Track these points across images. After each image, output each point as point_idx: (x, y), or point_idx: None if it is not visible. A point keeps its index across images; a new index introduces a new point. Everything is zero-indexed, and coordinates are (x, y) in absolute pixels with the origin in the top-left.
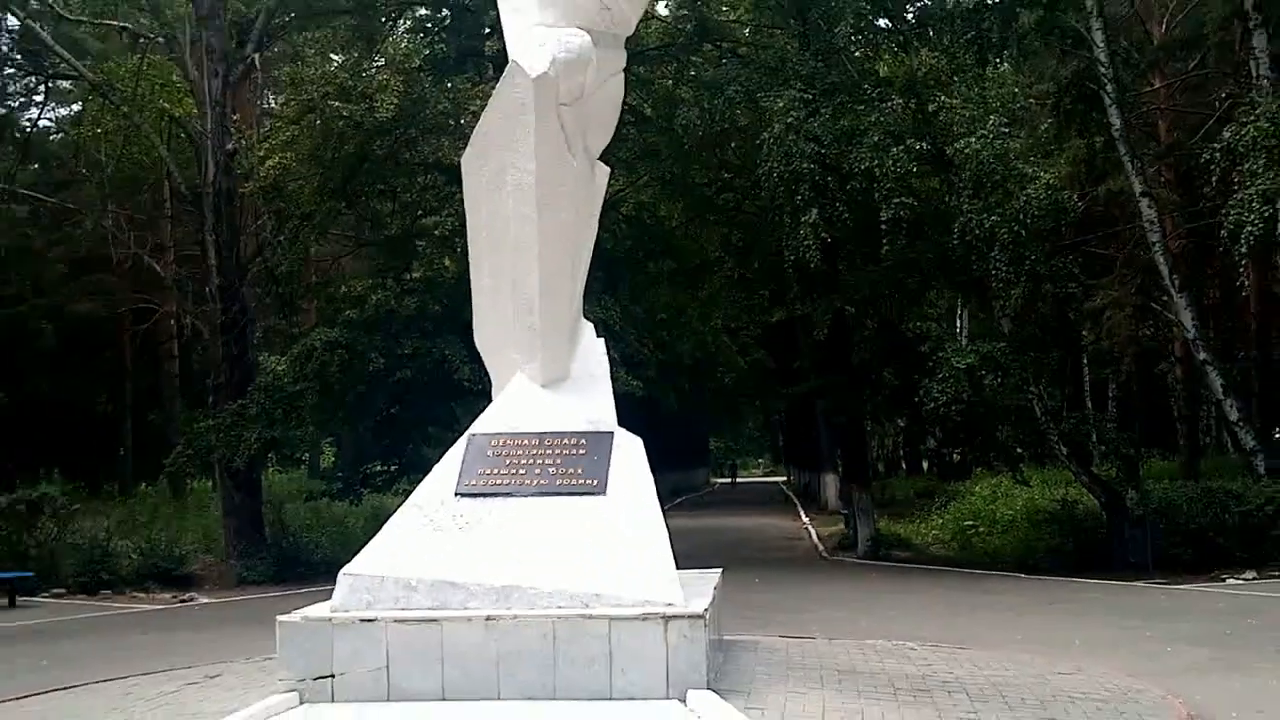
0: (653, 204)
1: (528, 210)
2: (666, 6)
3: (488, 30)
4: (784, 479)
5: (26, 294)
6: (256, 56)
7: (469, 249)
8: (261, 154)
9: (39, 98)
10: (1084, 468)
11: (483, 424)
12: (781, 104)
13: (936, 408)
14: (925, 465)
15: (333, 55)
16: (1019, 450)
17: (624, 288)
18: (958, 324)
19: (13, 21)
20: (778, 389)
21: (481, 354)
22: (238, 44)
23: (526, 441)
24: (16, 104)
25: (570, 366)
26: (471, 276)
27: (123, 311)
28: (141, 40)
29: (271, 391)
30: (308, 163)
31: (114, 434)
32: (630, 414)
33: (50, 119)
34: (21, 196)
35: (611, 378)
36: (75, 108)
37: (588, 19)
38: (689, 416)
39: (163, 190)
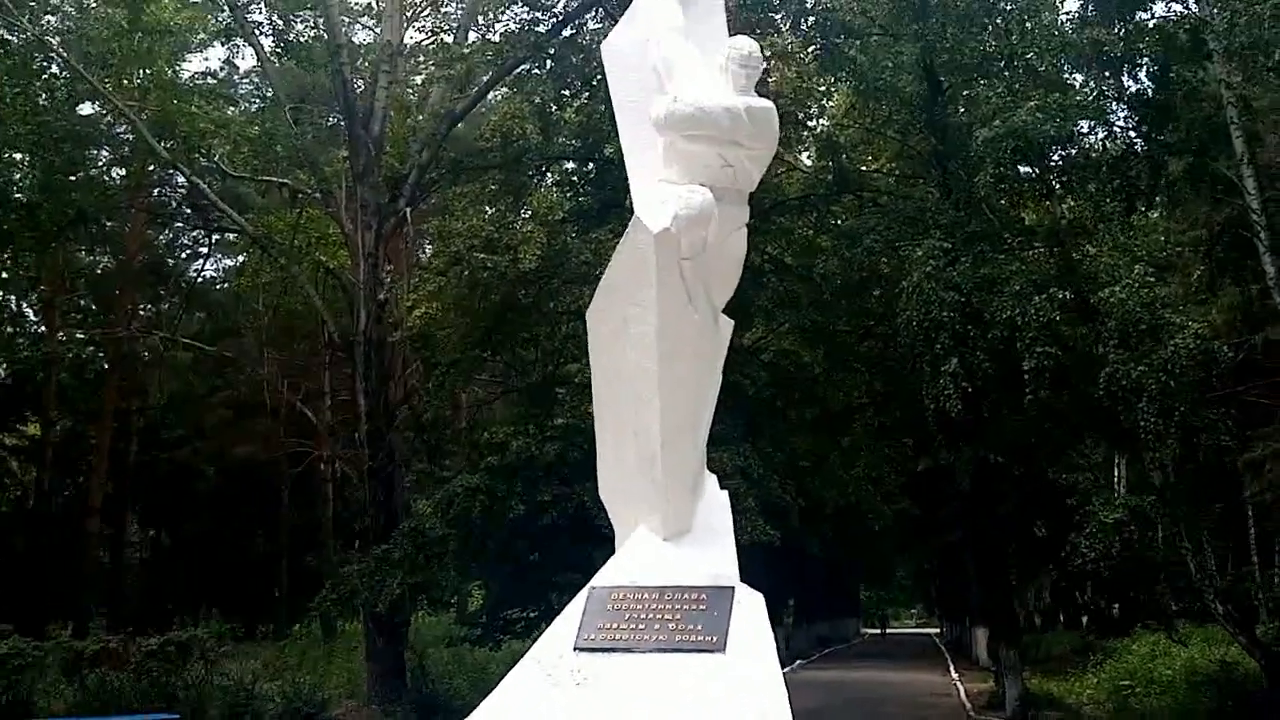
0: (794, 351)
1: (649, 363)
2: (808, 157)
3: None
4: (936, 631)
5: (189, 438)
6: (408, 210)
7: (594, 400)
8: (410, 304)
9: (204, 250)
10: (1243, 628)
11: (603, 577)
12: (920, 252)
13: (1084, 564)
14: (1084, 619)
15: (482, 208)
16: (1174, 608)
17: (764, 435)
18: (1115, 473)
19: (181, 179)
20: (923, 539)
21: (605, 504)
22: (391, 198)
23: (647, 596)
24: (183, 256)
25: (693, 520)
26: (595, 428)
27: (280, 455)
28: (300, 195)
29: (415, 536)
30: (454, 312)
31: (271, 575)
32: (775, 563)
33: (214, 271)
34: (185, 345)
35: (750, 527)
36: (238, 260)
37: (710, 175)
38: (836, 566)
39: (318, 338)
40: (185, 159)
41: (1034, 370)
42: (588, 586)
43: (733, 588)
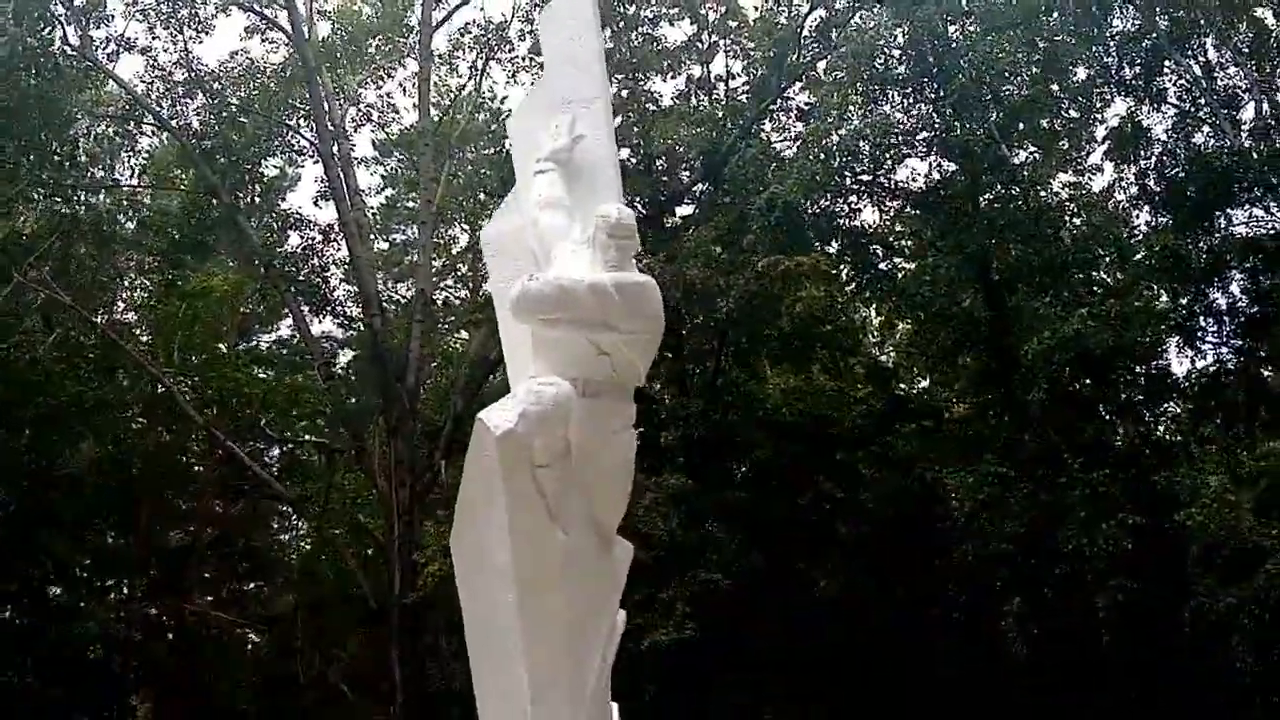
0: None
1: (507, 595)
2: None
3: None
4: None
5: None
6: (444, 464)
7: (469, 653)
8: (436, 566)
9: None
10: None
11: None
12: (973, 479)
13: None
14: None
15: None
16: None
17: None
18: None
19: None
20: None
21: None
22: (427, 453)
23: None
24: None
25: None
26: (473, 676)
27: None
28: (337, 454)
29: None
30: None
31: None
32: None
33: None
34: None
35: None
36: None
37: (583, 367)
38: None
39: (352, 603)
40: (225, 425)
41: (1108, 606)
42: None
43: None
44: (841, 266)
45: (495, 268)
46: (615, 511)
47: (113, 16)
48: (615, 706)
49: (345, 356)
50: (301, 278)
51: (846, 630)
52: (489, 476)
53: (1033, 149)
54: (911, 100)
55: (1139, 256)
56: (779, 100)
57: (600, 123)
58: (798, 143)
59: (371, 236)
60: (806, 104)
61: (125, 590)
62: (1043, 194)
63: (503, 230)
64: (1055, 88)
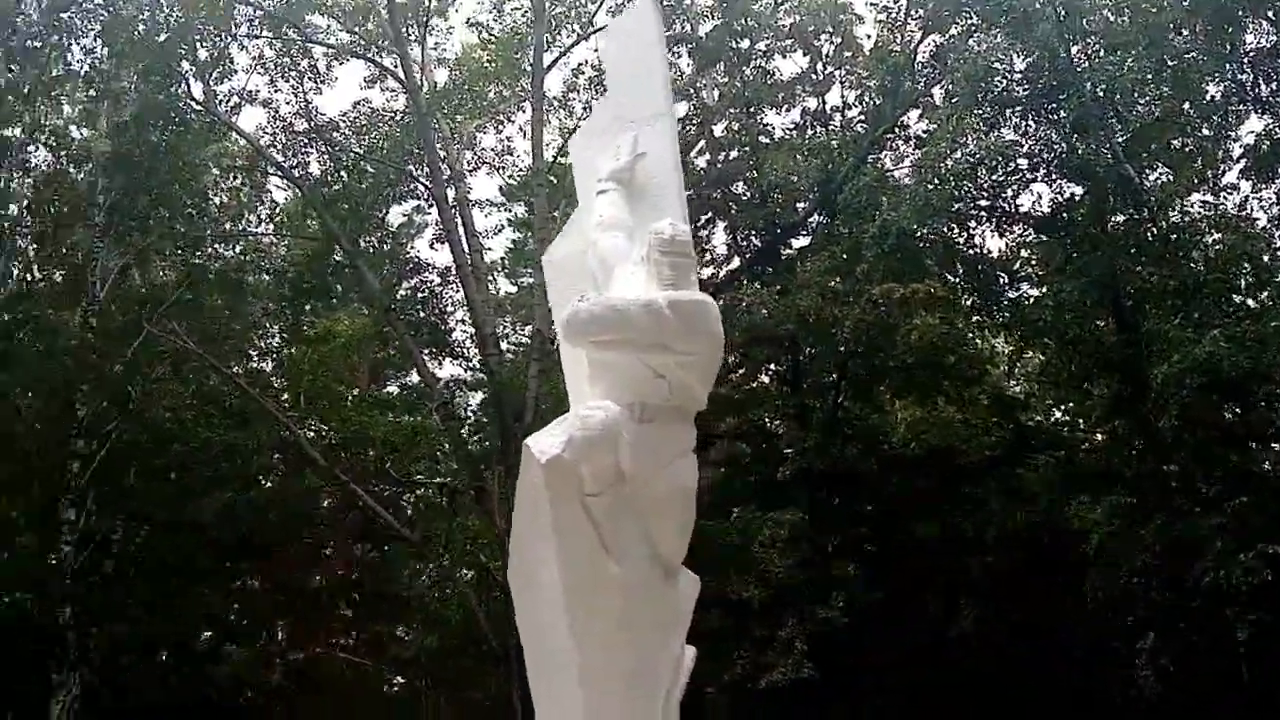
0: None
1: (561, 630)
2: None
3: None
4: None
5: None
6: None
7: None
8: None
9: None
10: None
11: None
12: (1100, 511)
13: None
14: None
15: None
16: None
17: None
18: None
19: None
20: None
21: None
22: None
23: None
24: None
25: None
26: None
27: None
28: (457, 495)
29: None
30: None
31: None
32: None
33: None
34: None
35: None
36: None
37: (639, 391)
38: None
39: (476, 645)
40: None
41: (1249, 639)
42: None
43: None
44: (963, 294)
45: (555, 292)
46: (676, 542)
47: (236, 70)
48: None
49: (474, 400)
50: (418, 319)
51: (971, 669)
52: (537, 505)
53: (1163, 169)
54: (1032, 123)
55: None
56: (895, 129)
57: (664, 141)
58: (912, 169)
59: (492, 279)
60: (924, 132)
61: (265, 635)
62: (1173, 215)
63: (564, 253)
64: (1186, 106)
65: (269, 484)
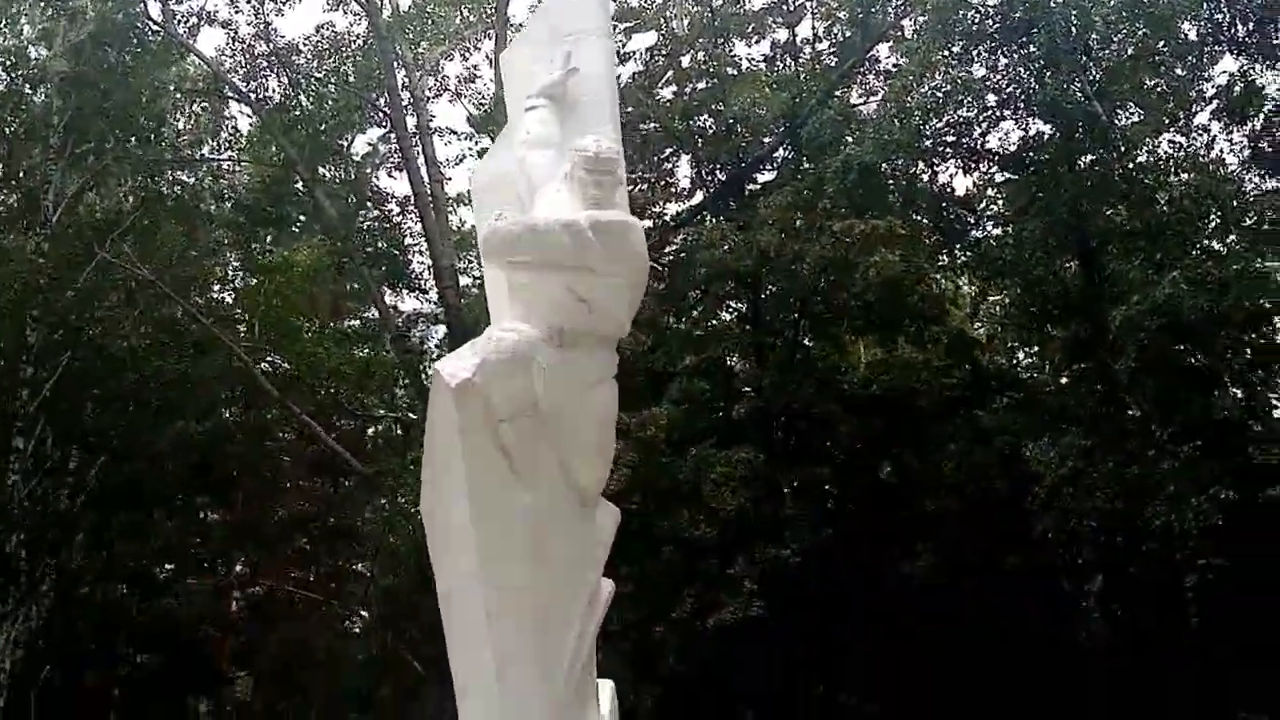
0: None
1: (470, 561)
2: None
3: None
4: None
5: None
6: None
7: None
8: None
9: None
10: None
11: None
12: (1055, 453)
13: None
14: None
15: None
16: None
17: None
18: None
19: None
20: None
21: None
22: None
23: None
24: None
25: None
26: (447, 651)
27: None
28: (413, 429)
29: None
30: None
31: None
32: None
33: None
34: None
35: None
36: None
37: (560, 315)
38: None
39: (429, 582)
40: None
41: (1198, 585)
42: None
43: None
44: (926, 233)
45: (480, 213)
46: (595, 472)
47: None
48: (610, 684)
49: (439, 333)
50: (377, 251)
51: (925, 609)
52: (447, 432)
53: (1134, 109)
54: (1002, 59)
55: (1249, 222)
56: (864, 63)
57: (599, 57)
58: (879, 104)
59: (453, 210)
60: (895, 66)
61: (224, 568)
62: (1140, 155)
63: (492, 172)
64: (1161, 45)
65: (228, 416)
